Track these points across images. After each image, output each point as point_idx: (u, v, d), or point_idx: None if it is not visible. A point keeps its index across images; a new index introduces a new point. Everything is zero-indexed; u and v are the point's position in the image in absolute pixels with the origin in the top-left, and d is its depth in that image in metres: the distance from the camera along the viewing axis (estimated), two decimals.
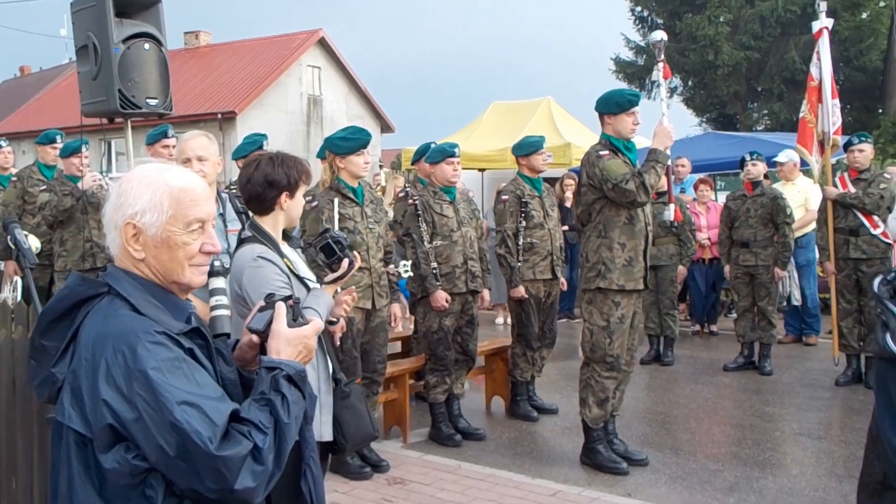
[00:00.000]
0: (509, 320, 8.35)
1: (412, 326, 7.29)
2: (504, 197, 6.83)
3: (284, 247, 3.38)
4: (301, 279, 3.31)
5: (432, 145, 6.84)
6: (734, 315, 8.99)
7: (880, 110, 23.20)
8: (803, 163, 8.73)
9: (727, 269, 8.65)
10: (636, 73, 27.75)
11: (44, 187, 7.20)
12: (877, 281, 2.16)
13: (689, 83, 27.65)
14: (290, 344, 1.98)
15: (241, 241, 3.34)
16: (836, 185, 7.68)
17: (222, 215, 4.22)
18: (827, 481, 5.31)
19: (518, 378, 6.93)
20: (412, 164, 8.00)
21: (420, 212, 6.14)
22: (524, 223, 6.69)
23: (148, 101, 5.43)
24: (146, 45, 5.41)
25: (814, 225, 8.38)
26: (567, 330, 10.32)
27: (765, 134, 19.08)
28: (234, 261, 3.28)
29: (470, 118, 16.51)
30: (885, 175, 7.70)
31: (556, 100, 15.47)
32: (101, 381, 1.74)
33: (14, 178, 7.86)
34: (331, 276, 2.96)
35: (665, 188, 6.87)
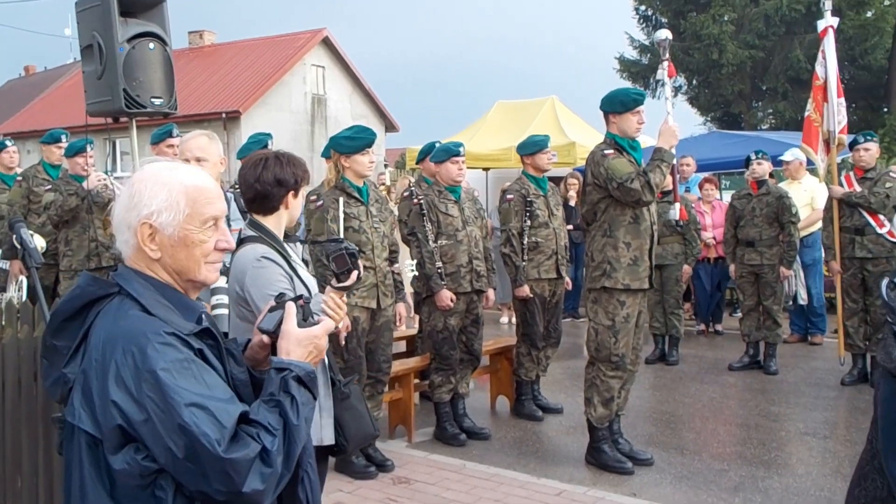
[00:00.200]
0: (514, 320, 8.35)
1: (417, 326, 7.28)
2: (509, 196, 6.82)
3: (287, 246, 3.37)
4: (302, 281, 3.29)
5: (437, 144, 6.83)
6: (739, 314, 8.98)
7: (885, 109, 23.11)
8: (809, 162, 8.71)
9: (732, 268, 8.64)
10: (640, 72, 27.68)
11: (49, 187, 7.20)
12: (884, 285, 2.02)
13: (694, 82, 27.57)
14: (299, 344, 1.97)
15: (242, 241, 3.29)
16: (841, 184, 7.67)
17: (227, 215, 4.22)
18: (833, 481, 5.30)
19: (523, 377, 6.92)
20: (417, 163, 8.00)
21: (425, 211, 6.14)
22: (529, 222, 6.69)
23: (153, 100, 5.42)
24: (151, 45, 5.40)
25: (820, 224, 8.36)
26: (572, 329, 10.31)
27: (770, 133, 19.04)
28: (235, 261, 3.24)
29: (474, 117, 16.52)
30: (891, 174, 7.67)
31: (561, 99, 15.46)
32: (110, 381, 1.74)
33: (19, 178, 7.86)
34: (338, 285, 2.95)
35: (670, 187, 6.86)
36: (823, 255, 8.56)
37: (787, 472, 5.49)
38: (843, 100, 7.83)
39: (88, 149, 6.95)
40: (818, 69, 7.86)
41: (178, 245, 1.92)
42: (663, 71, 6.03)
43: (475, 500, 4.98)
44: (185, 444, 1.69)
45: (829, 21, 7.76)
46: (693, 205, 9.29)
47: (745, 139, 13.45)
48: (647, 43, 27.39)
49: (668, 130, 5.38)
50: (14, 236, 3.90)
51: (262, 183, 3.25)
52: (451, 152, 6.23)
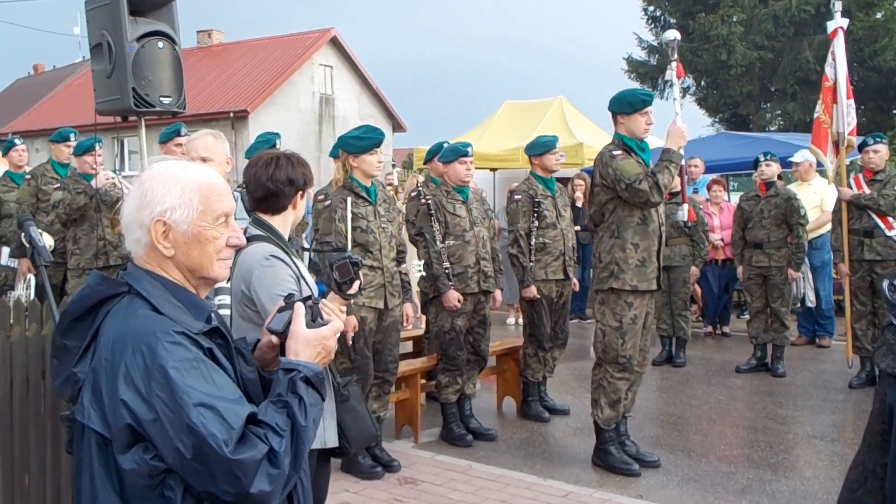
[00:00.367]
0: (521, 320, 8.34)
1: (424, 326, 7.28)
2: (517, 196, 6.82)
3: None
4: (307, 283, 3.29)
5: (445, 145, 6.83)
6: (747, 316, 8.95)
7: (895, 111, 23.07)
8: (819, 163, 8.68)
9: (740, 270, 8.61)
10: (649, 72, 27.64)
11: (57, 185, 7.23)
12: (885, 286, 1.95)
13: (702, 83, 27.53)
14: (308, 345, 1.96)
15: (247, 240, 3.27)
16: (850, 186, 7.64)
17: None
18: (840, 484, 5.24)
19: (530, 378, 6.92)
20: (425, 163, 8.00)
21: (433, 211, 6.13)
22: (537, 223, 6.68)
23: (162, 99, 5.43)
24: (160, 44, 5.41)
25: (829, 226, 8.33)
26: (579, 331, 10.29)
27: (778, 134, 18.99)
28: (241, 259, 3.22)
29: (481, 118, 16.51)
30: None
31: (569, 99, 15.44)
32: (120, 381, 1.74)
33: (28, 176, 7.89)
34: (342, 293, 2.95)
35: (678, 188, 6.86)
36: (832, 257, 8.54)
37: (794, 475, 5.47)
38: (852, 101, 7.81)
39: (97, 147, 6.97)
40: (828, 70, 7.84)
41: (191, 242, 1.92)
42: (672, 71, 6.03)
43: (481, 501, 4.98)
44: (192, 444, 1.69)
45: (838, 22, 7.74)
46: (701, 206, 9.27)
47: (754, 140, 13.42)
48: (655, 43, 27.35)
49: (677, 131, 5.37)
50: (23, 234, 3.91)
51: (274, 182, 3.25)
52: (459, 152, 6.22)
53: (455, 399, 6.27)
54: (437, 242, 6.10)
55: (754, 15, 25.07)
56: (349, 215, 5.25)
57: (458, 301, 6.05)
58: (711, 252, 9.56)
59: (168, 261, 1.93)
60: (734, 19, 25.02)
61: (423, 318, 7.04)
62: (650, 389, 7.58)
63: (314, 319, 2.01)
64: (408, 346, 7.54)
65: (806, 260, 8.58)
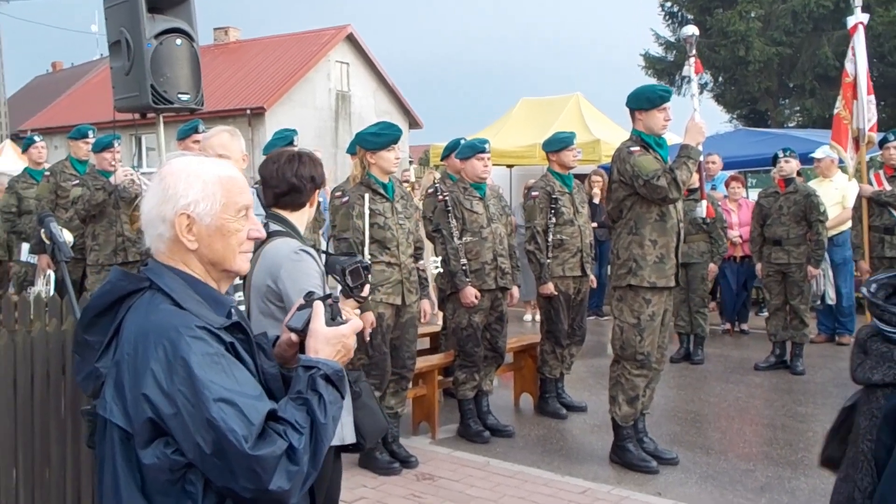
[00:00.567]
0: (537, 317, 8.32)
1: (441, 322, 7.28)
2: (534, 193, 6.80)
3: None
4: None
5: (462, 141, 6.82)
6: (765, 313, 8.90)
7: None
8: (841, 160, 8.62)
9: (759, 267, 8.56)
10: (666, 69, 27.51)
11: (76, 182, 7.27)
12: (866, 291, 1.78)
13: (720, 79, 27.38)
14: (328, 343, 1.96)
15: (269, 235, 3.27)
16: (870, 183, 7.59)
17: None
18: None
19: (547, 375, 6.90)
20: (442, 159, 7.99)
21: (450, 208, 6.13)
22: (554, 220, 6.66)
23: (180, 96, 5.45)
24: (178, 41, 5.43)
25: (850, 223, 8.26)
26: (596, 327, 10.27)
27: (797, 131, 18.87)
28: (266, 254, 3.22)
29: (498, 114, 16.48)
30: None
31: (585, 96, 15.39)
32: (142, 375, 1.74)
33: (47, 173, 7.95)
34: (357, 296, 2.97)
35: (697, 185, 6.82)
36: (853, 254, 8.48)
37: (813, 473, 5.43)
38: (872, 97, 7.75)
39: (116, 144, 7.01)
40: (848, 66, 7.78)
41: (214, 235, 1.93)
42: (690, 67, 5.99)
43: (499, 498, 4.97)
44: (212, 439, 1.69)
45: (859, 17, 7.68)
46: (719, 203, 9.22)
47: (772, 137, 13.35)
48: (672, 40, 27.23)
49: (695, 127, 5.33)
50: (43, 230, 3.94)
51: (299, 178, 3.29)
52: (476, 149, 6.22)
53: (472, 395, 6.27)
54: (455, 239, 6.10)
55: (772, 10, 24.91)
56: (367, 212, 5.25)
57: (476, 297, 6.05)
58: (730, 249, 9.51)
59: (191, 255, 1.93)
60: (752, 15, 24.86)
61: (441, 314, 7.04)
62: (668, 386, 7.54)
63: (334, 318, 2.01)
64: (425, 343, 7.53)
65: (826, 257, 8.51)
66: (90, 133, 7.85)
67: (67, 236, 4.24)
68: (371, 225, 5.27)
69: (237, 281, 3.37)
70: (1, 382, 3.57)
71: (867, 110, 7.60)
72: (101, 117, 15.84)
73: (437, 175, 9.02)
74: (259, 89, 26.59)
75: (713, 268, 8.77)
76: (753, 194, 10.85)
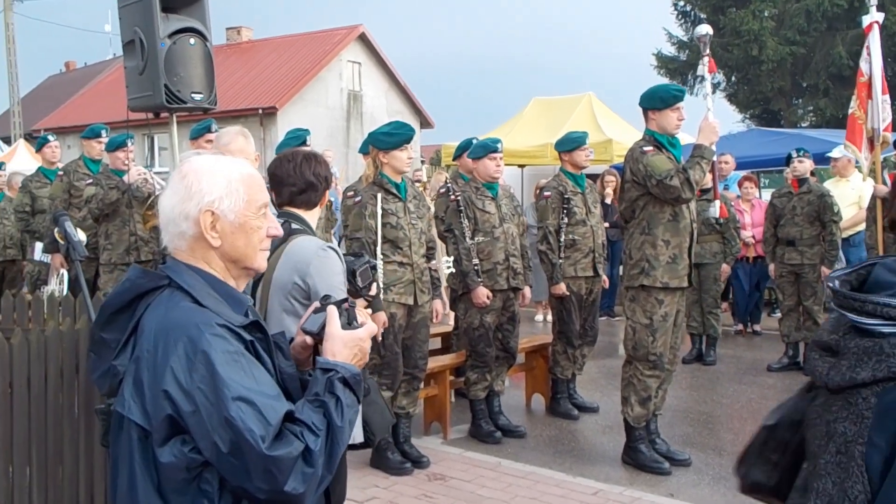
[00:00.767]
0: (549, 317, 8.31)
1: (452, 322, 7.28)
2: (546, 193, 6.78)
3: None
4: None
5: (474, 141, 6.81)
6: (778, 314, 8.85)
7: None
8: (856, 159, 8.57)
9: (772, 267, 8.52)
10: (678, 68, 27.46)
11: (90, 181, 7.30)
12: (830, 285, 1.67)
13: (733, 79, 27.30)
14: (346, 346, 1.95)
15: (291, 233, 3.28)
16: (885, 183, 7.54)
17: None
18: None
19: (559, 376, 6.89)
20: (454, 159, 7.98)
21: (462, 208, 6.12)
22: (566, 220, 6.64)
23: (193, 95, 5.46)
24: (192, 40, 5.44)
25: (865, 223, 8.21)
26: (608, 328, 10.24)
27: (810, 130, 18.77)
28: (290, 252, 3.22)
29: (510, 114, 16.45)
30: None
31: (598, 95, 15.35)
32: (161, 372, 1.74)
33: (60, 172, 7.98)
34: (366, 295, 2.99)
35: (710, 185, 6.79)
36: (867, 255, 8.43)
37: None
38: (887, 97, 7.72)
39: (129, 143, 7.03)
40: (863, 65, 7.74)
41: (237, 232, 1.93)
42: (704, 67, 5.98)
43: (511, 498, 4.96)
44: (230, 438, 1.69)
45: (874, 16, 7.64)
46: (732, 203, 9.18)
47: (785, 137, 13.28)
48: (685, 39, 27.16)
49: (709, 127, 5.31)
50: (57, 230, 3.95)
51: (316, 176, 3.32)
52: (489, 148, 6.21)
53: (484, 396, 6.26)
54: (467, 239, 6.09)
55: (786, 10, 24.82)
56: (379, 211, 5.25)
57: (487, 298, 6.04)
58: (743, 249, 9.46)
59: (212, 252, 1.93)
60: (766, 14, 24.80)
61: (452, 314, 7.04)
62: (680, 387, 7.52)
63: (350, 322, 2.01)
64: (437, 343, 7.53)
65: (842, 257, 8.46)
66: (103, 132, 7.88)
67: (81, 235, 4.27)
68: (383, 225, 5.27)
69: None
70: (15, 381, 3.59)
71: (882, 110, 7.55)
72: (115, 117, 15.92)
73: (447, 175, 9.02)
74: (271, 89, 26.65)
75: (726, 268, 8.73)
76: (766, 194, 10.81)
